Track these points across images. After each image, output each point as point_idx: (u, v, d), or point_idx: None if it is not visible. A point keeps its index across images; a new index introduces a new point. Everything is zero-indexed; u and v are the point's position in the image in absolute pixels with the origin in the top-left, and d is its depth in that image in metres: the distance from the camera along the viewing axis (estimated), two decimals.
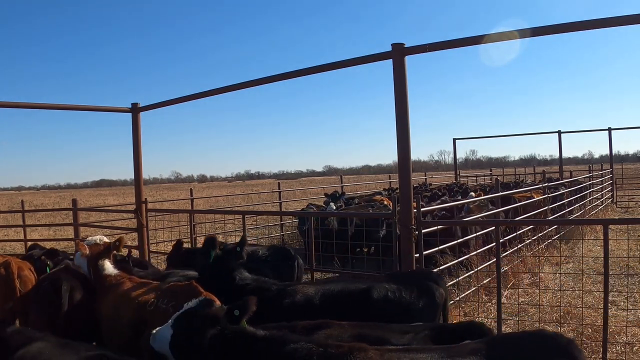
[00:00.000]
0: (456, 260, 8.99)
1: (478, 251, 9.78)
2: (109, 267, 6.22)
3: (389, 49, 7.27)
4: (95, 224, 16.46)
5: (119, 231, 16.38)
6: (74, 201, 14.47)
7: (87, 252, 6.35)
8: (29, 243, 10.84)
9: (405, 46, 7.18)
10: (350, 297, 5.48)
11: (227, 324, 3.85)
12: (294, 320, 4.49)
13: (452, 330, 4.26)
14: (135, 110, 11.28)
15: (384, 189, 23.80)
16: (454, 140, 31.70)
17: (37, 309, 6.30)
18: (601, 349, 6.17)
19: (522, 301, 8.76)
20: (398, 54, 7.18)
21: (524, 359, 3.55)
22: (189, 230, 12.13)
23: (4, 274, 6.91)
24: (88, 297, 6.12)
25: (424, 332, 4.14)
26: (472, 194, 17.90)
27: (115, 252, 6.59)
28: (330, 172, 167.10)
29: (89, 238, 6.50)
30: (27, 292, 6.79)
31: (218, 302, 4.44)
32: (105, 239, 6.59)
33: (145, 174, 12.00)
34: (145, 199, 11.54)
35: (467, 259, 9.58)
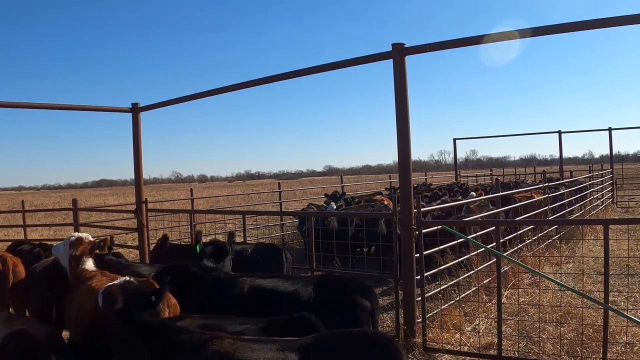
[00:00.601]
0: (456, 260, 8.99)
1: (478, 251, 9.78)
2: (89, 263, 6.38)
3: (389, 48, 7.28)
4: (95, 224, 16.46)
5: (119, 231, 16.42)
6: (74, 201, 14.46)
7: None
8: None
9: (406, 46, 7.19)
10: (276, 294, 5.71)
11: (136, 308, 4.19)
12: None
13: (283, 323, 4.51)
14: (135, 110, 11.29)
15: (386, 189, 23.79)
16: (454, 140, 31.70)
17: (34, 293, 6.77)
18: (601, 349, 6.17)
19: (522, 301, 8.75)
20: (398, 54, 7.20)
21: (344, 355, 3.72)
22: (189, 230, 12.13)
23: (1, 269, 7.25)
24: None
25: (259, 324, 4.51)
26: (473, 193, 17.90)
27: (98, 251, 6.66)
28: (330, 172, 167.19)
29: (72, 235, 6.53)
30: (22, 280, 7.20)
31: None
32: (91, 238, 6.64)
33: (146, 174, 12.03)
34: (146, 199, 11.55)
35: (467, 259, 9.58)
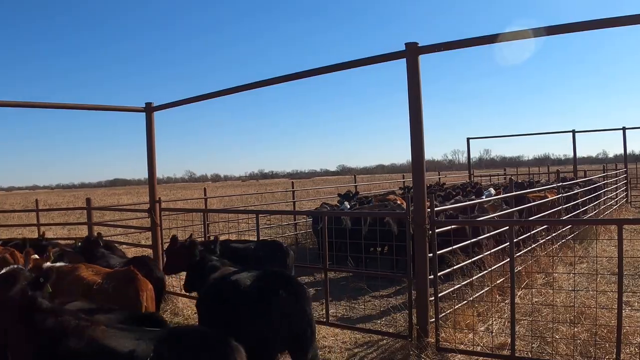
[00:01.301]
0: (469, 260, 8.97)
1: (492, 251, 9.76)
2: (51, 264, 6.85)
3: (400, 47, 7.29)
4: (109, 223, 16.56)
5: (132, 230, 16.50)
6: (88, 200, 14.55)
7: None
8: (44, 242, 10.90)
9: (419, 45, 7.19)
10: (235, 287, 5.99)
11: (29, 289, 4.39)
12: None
13: (136, 318, 5.03)
14: (149, 109, 11.34)
15: (399, 188, 23.77)
16: (468, 139, 31.58)
17: None
18: (615, 350, 6.15)
19: (535, 301, 8.73)
20: (412, 53, 7.20)
21: (187, 345, 4.06)
22: (202, 230, 12.16)
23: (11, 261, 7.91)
24: None
25: (122, 316, 5.00)
26: (492, 190, 17.85)
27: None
28: (344, 171, 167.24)
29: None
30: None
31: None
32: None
33: (159, 174, 12.07)
34: (159, 198, 11.59)
35: (480, 258, 9.57)
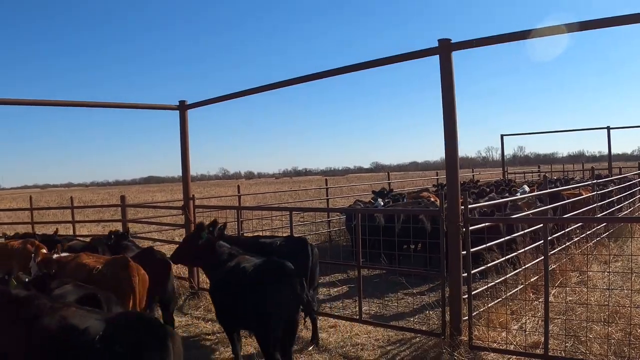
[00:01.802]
0: (503, 258, 8.91)
1: (526, 249, 9.69)
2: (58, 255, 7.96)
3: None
4: (143, 220, 16.72)
5: (166, 227, 16.67)
6: (122, 197, 14.70)
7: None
8: (78, 239, 11.12)
9: (452, 42, 7.17)
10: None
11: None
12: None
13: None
14: (182, 107, 11.48)
15: (433, 185, 23.68)
16: (502, 136, 31.32)
17: None
18: None
19: (569, 300, 8.65)
20: (445, 49, 7.19)
21: (124, 327, 4.69)
22: (236, 227, 12.26)
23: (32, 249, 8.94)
24: None
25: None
26: (526, 187, 17.72)
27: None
28: (377, 168, 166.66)
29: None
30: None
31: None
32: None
33: (193, 171, 12.20)
34: (193, 195, 11.71)
35: (514, 256, 9.50)
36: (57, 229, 11.98)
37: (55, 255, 7.92)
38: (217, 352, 8.18)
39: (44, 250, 8.44)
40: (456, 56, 7.25)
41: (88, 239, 11.13)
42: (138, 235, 15.04)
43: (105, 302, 5.86)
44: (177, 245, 8.99)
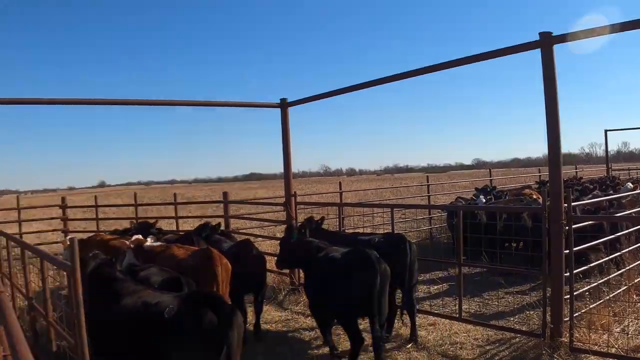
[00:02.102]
0: (607, 258, 8.56)
1: (630, 248, 9.27)
2: (149, 244, 8.65)
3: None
4: (245, 216, 17.06)
5: (268, 223, 16.96)
6: (225, 194, 14.99)
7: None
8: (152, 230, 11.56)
9: (554, 35, 6.98)
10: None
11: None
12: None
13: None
14: (284, 105, 11.68)
15: (535, 182, 23.01)
16: (605, 131, 29.89)
17: None
18: None
19: None
20: (546, 43, 7.00)
21: (192, 303, 5.27)
22: (337, 223, 12.34)
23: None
24: None
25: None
26: (630, 184, 16.94)
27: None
28: (479, 165, 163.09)
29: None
30: None
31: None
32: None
33: (295, 168, 12.38)
34: (295, 192, 11.85)
35: (618, 256, 9.11)
36: (156, 220, 12.46)
37: (146, 244, 8.62)
38: (315, 347, 8.29)
39: (139, 237, 9.09)
40: (557, 49, 7.06)
41: None
42: (240, 231, 15.34)
43: (185, 284, 6.49)
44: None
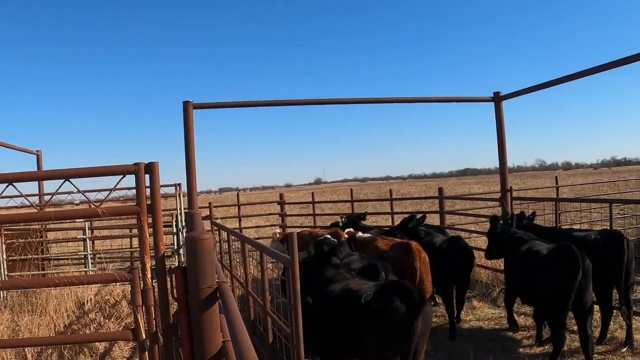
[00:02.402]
0: None
1: None
2: (360, 235, 9.67)
3: None
4: (460, 211, 16.89)
5: (483, 219, 16.65)
6: (440, 189, 14.97)
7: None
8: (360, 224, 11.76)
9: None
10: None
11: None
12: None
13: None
14: (497, 99, 11.43)
15: None
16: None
17: None
18: None
19: None
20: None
21: (387, 291, 5.77)
22: (554, 219, 11.84)
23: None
24: None
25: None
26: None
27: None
28: None
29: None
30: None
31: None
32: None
33: (509, 162, 12.05)
34: (510, 187, 11.62)
35: None
36: (364, 212, 12.77)
37: (357, 235, 9.60)
38: (527, 346, 8.11)
39: (351, 230, 10.34)
40: None
41: None
42: (455, 226, 15.26)
43: (382, 270, 7.23)
44: None
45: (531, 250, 7.73)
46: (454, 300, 9.04)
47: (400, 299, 5.51)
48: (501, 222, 9.14)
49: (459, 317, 9.33)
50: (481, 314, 9.80)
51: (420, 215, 10.90)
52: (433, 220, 15.34)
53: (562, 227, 11.36)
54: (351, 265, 7.42)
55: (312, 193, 20.11)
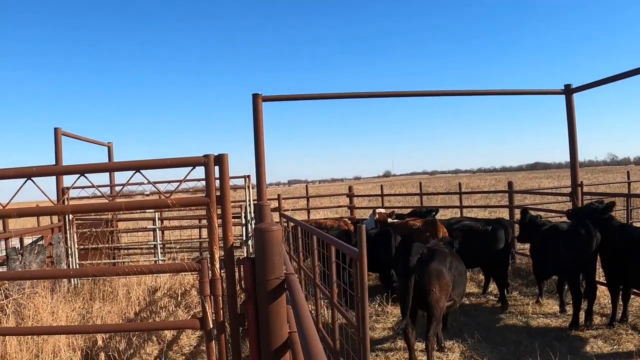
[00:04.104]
0: None
1: None
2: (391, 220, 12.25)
3: None
4: (529, 206, 16.57)
5: (552, 214, 16.30)
6: (510, 183, 14.75)
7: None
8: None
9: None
10: None
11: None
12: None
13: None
14: (568, 91, 11.15)
15: None
16: None
17: None
18: None
19: None
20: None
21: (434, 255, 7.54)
22: (625, 215, 11.52)
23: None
24: None
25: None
26: None
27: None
28: None
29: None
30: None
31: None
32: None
33: (581, 157, 11.75)
34: (581, 182, 11.36)
35: None
36: (437, 207, 12.89)
37: (389, 220, 12.26)
38: (596, 346, 7.81)
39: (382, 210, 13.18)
40: None
41: None
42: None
43: (393, 235, 10.52)
44: None
45: (552, 227, 9.41)
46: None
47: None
48: (529, 213, 10.41)
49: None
50: (549, 310, 9.61)
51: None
52: (502, 214, 15.08)
53: (634, 223, 10.99)
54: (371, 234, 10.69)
55: (381, 186, 20.10)
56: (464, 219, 12.02)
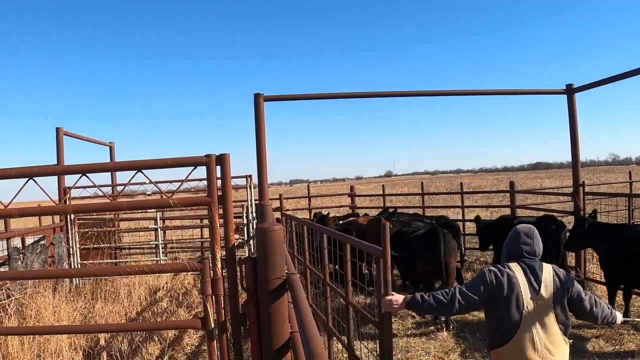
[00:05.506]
0: None
1: None
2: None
3: None
4: (531, 206, 16.58)
5: (554, 214, 16.29)
6: (512, 183, 14.76)
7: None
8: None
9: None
10: None
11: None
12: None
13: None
14: (570, 91, 11.12)
15: None
16: None
17: None
18: None
19: None
20: None
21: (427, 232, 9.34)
22: (627, 215, 11.48)
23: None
24: None
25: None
26: None
27: None
28: None
29: None
30: None
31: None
32: None
33: (582, 157, 11.73)
34: (583, 182, 11.31)
35: None
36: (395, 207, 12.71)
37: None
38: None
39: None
40: None
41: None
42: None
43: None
44: None
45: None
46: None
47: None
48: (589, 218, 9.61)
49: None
50: None
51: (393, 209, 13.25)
52: (504, 214, 15.07)
53: (636, 223, 10.99)
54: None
55: (383, 185, 20.10)
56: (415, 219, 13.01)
